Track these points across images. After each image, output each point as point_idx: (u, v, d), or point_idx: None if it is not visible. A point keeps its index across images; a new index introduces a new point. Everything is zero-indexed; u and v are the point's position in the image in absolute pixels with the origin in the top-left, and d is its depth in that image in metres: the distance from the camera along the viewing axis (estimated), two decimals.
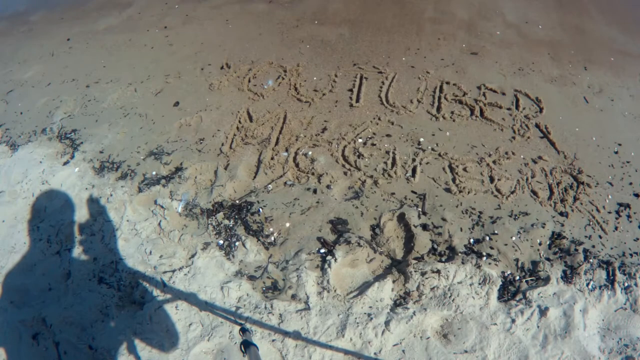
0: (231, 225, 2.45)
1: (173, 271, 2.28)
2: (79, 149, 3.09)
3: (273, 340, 1.97)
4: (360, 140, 2.80)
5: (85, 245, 2.48)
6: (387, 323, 1.96)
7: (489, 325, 1.93)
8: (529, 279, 2.09)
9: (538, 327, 1.92)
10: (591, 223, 2.29)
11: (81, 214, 2.64)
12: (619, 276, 2.05)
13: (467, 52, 3.62)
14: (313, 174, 2.64)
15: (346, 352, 1.91)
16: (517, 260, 2.15)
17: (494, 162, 2.60)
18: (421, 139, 2.76)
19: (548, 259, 2.15)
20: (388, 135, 2.82)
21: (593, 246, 2.19)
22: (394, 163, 2.64)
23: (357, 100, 3.13)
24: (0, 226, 2.68)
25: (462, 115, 2.92)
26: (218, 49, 3.98)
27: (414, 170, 2.58)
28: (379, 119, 2.93)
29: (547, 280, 2.06)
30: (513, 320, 1.93)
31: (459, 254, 2.17)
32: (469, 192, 2.44)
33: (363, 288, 2.12)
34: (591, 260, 2.12)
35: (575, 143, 2.75)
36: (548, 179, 2.50)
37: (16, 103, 3.73)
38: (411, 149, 2.72)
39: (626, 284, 2.03)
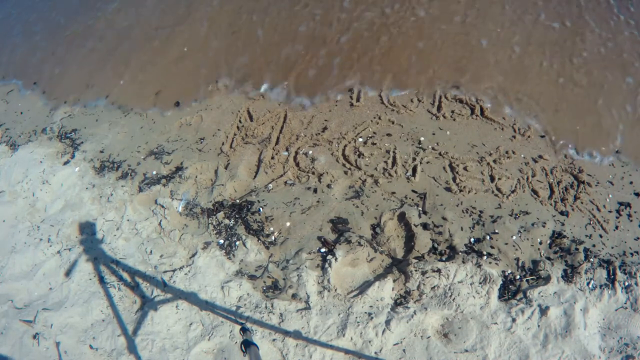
0: (232, 225, 2.45)
1: (173, 271, 2.28)
2: (79, 149, 3.09)
3: (273, 340, 1.97)
4: (360, 140, 2.80)
5: (86, 245, 2.48)
6: (387, 322, 1.96)
7: (490, 324, 1.94)
8: (529, 278, 2.09)
9: (539, 326, 1.92)
10: (592, 222, 2.28)
11: (82, 214, 2.64)
12: (620, 275, 2.05)
13: None
14: (313, 173, 2.64)
15: (347, 351, 1.92)
16: (517, 259, 2.15)
17: (494, 161, 2.60)
18: (421, 138, 2.76)
19: (549, 258, 2.15)
20: (388, 135, 2.82)
21: (594, 245, 2.19)
22: (394, 162, 2.64)
23: (358, 100, 3.12)
24: (1, 226, 2.68)
25: (462, 115, 2.91)
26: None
27: (414, 170, 2.58)
28: (380, 118, 2.93)
29: (547, 279, 2.06)
30: (514, 320, 1.93)
31: (460, 253, 2.17)
32: (469, 192, 2.44)
33: (363, 287, 2.12)
34: (592, 260, 2.12)
35: None
36: (548, 178, 2.50)
37: (16, 103, 3.73)
38: (411, 148, 2.71)
39: (627, 283, 2.03)
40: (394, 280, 2.12)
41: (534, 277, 2.09)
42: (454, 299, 2.01)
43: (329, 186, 2.55)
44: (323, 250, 2.27)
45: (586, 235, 2.23)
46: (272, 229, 2.41)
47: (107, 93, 3.52)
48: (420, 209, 2.38)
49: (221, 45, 3.56)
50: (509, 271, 2.11)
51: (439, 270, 2.09)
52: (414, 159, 2.63)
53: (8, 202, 2.80)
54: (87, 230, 2.55)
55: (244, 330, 1.63)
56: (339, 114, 3.03)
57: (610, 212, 2.33)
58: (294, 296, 2.10)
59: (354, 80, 3.12)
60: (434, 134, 2.79)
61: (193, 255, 2.32)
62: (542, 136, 2.75)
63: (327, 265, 2.18)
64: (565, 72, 2.88)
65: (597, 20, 3.08)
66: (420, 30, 3.26)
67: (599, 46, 2.95)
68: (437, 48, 3.18)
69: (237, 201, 2.56)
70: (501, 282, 2.07)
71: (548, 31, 3.09)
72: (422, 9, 3.34)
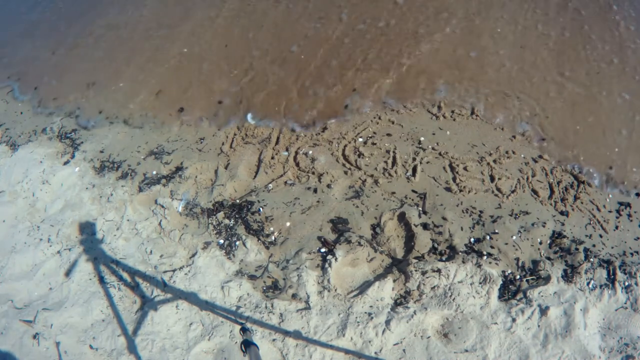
0: (232, 225, 2.45)
1: (173, 271, 2.28)
2: (80, 149, 3.09)
3: (274, 340, 1.97)
4: (360, 140, 2.80)
5: (86, 245, 2.48)
6: (387, 322, 1.96)
7: (490, 324, 1.93)
8: (529, 278, 2.09)
9: (539, 326, 1.92)
10: (592, 222, 2.28)
11: (82, 214, 2.64)
12: (620, 275, 2.05)
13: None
14: (313, 173, 2.64)
15: (347, 351, 1.92)
16: (517, 259, 2.15)
17: (494, 161, 2.60)
18: (421, 138, 2.76)
19: (549, 258, 2.15)
20: (388, 135, 2.82)
21: (594, 245, 2.19)
22: (394, 162, 2.64)
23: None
24: (1, 226, 2.68)
25: (462, 115, 2.91)
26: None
27: (414, 170, 2.57)
28: (380, 118, 2.93)
29: (547, 279, 2.06)
30: (514, 320, 1.93)
31: (460, 253, 2.17)
32: (469, 191, 2.44)
33: (363, 287, 2.12)
34: (592, 260, 2.12)
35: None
36: (548, 178, 2.50)
37: (16, 103, 3.73)
38: (411, 148, 2.71)
39: (627, 283, 2.03)
40: (394, 280, 2.11)
41: (534, 277, 2.09)
42: (454, 299, 2.01)
43: (329, 186, 2.55)
44: (323, 250, 2.27)
45: (586, 235, 2.23)
46: (272, 229, 2.41)
47: (103, 108, 3.45)
48: (420, 209, 2.38)
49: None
50: (509, 271, 2.11)
51: (439, 270, 2.09)
52: (414, 159, 2.63)
53: (8, 202, 2.80)
54: (87, 230, 2.55)
55: (244, 330, 1.63)
56: None
57: (610, 212, 2.33)
58: (294, 296, 2.10)
59: (354, 100, 3.07)
60: (434, 134, 2.79)
61: (193, 255, 2.32)
62: (543, 139, 2.75)
63: (327, 265, 2.18)
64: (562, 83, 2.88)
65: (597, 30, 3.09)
66: (420, 40, 3.28)
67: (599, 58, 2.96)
68: (437, 54, 3.19)
69: (237, 201, 2.56)
70: (501, 282, 2.07)
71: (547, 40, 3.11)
72: (419, 22, 3.36)
